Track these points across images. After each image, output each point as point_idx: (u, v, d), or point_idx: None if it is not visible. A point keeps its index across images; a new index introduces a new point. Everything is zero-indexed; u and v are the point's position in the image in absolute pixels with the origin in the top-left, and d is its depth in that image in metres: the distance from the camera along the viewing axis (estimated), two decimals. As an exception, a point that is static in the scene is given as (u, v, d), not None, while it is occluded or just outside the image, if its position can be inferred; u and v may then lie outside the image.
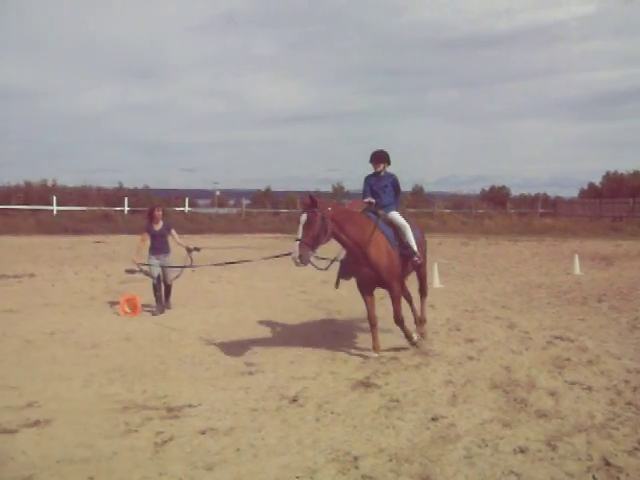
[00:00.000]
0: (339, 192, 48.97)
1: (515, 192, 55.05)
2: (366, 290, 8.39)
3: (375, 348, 8.23)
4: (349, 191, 53.00)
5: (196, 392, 6.73)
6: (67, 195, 39.17)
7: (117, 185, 44.47)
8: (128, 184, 44.62)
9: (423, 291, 9.59)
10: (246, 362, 7.84)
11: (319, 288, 13.55)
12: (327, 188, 52.39)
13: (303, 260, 7.35)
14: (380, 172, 8.71)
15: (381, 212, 8.47)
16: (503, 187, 53.98)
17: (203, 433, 5.52)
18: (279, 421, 5.83)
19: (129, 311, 11.28)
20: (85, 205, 37.98)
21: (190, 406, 6.26)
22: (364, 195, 8.72)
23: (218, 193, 47.44)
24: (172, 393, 6.68)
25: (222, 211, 44.78)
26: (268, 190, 52.26)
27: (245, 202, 46.11)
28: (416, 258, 8.35)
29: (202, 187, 52.75)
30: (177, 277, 11.76)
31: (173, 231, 11.78)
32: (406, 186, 50.42)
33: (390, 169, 8.82)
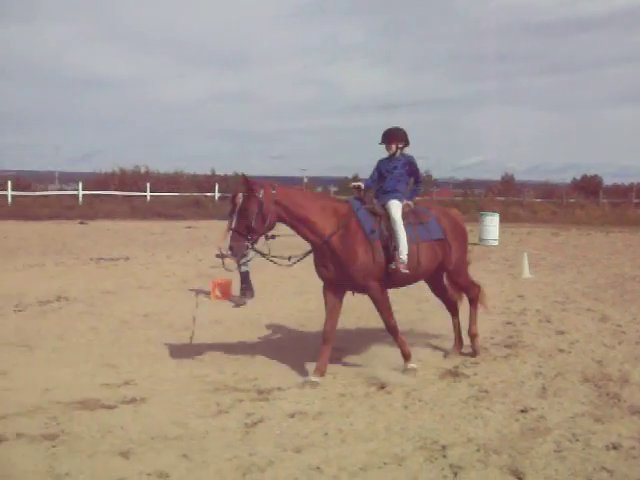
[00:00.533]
0: (427, 180, 48.38)
1: (608, 181, 52.87)
2: (331, 293, 7.07)
3: (317, 370, 6.80)
4: (437, 179, 52.57)
5: (285, 376, 6.86)
6: (159, 181, 40.25)
7: (209, 172, 45.18)
8: (219, 171, 45.26)
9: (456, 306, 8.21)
10: (333, 347, 7.90)
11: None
12: (416, 175, 51.79)
13: (235, 253, 6.55)
14: (394, 154, 7.32)
15: (372, 199, 7.14)
16: (595, 176, 51.98)
17: (292, 416, 5.63)
18: (367, 407, 5.89)
19: (219, 295, 11.55)
20: (177, 191, 38.94)
21: (279, 389, 6.39)
22: (369, 181, 7.39)
23: (306, 180, 47.66)
24: (262, 376, 6.84)
25: (310, 198, 44.84)
26: (356, 177, 51.96)
27: (333, 189, 46.17)
28: (394, 265, 6.74)
29: (290, 174, 53.16)
30: (244, 263, 10.74)
31: None
32: (495, 175, 49.49)
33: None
